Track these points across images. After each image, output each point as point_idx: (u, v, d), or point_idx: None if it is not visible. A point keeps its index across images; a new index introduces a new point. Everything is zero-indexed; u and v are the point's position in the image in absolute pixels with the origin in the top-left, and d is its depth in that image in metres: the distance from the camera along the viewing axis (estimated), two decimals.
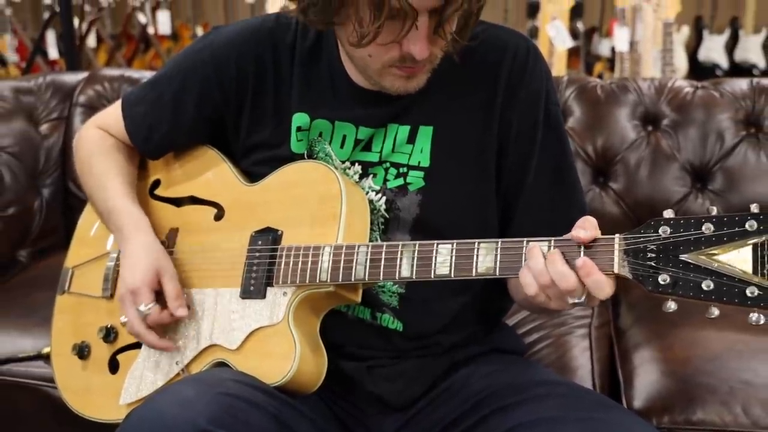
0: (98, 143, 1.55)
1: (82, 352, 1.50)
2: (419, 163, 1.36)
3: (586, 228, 1.11)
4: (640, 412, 1.56)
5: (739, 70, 5.90)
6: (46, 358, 1.66)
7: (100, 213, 1.52)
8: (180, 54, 1.51)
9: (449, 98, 1.36)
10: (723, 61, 5.94)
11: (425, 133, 1.36)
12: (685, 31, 5.95)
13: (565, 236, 1.12)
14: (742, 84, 2.23)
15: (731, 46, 5.98)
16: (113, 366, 1.46)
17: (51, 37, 5.58)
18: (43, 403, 1.70)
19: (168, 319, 1.36)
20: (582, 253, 1.10)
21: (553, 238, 1.13)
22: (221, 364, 1.32)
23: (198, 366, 1.35)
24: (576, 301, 1.11)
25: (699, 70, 5.93)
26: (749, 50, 5.89)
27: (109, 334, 1.47)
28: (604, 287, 1.08)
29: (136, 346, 1.43)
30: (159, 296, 1.37)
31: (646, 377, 1.64)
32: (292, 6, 1.26)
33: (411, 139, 1.37)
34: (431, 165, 1.36)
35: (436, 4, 1.15)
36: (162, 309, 1.36)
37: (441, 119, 1.36)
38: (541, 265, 1.11)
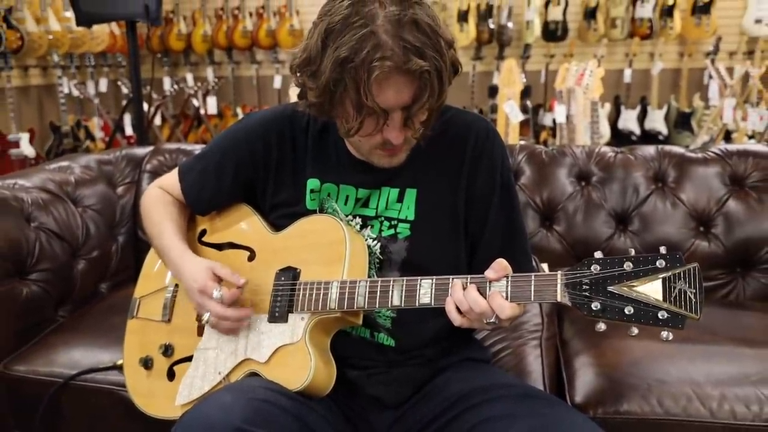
0: (158, 199, 1.54)
1: (147, 364, 1.47)
2: (406, 217, 1.35)
3: (495, 270, 1.14)
4: (579, 406, 1.53)
5: (648, 135, 5.93)
6: (119, 368, 1.62)
7: (156, 250, 1.51)
8: (222, 134, 1.50)
9: (428, 167, 1.35)
10: (636, 129, 5.96)
11: (411, 194, 1.35)
12: (608, 107, 5.98)
13: (481, 275, 1.15)
14: (650, 150, 2.22)
15: (642, 118, 6.00)
16: (170, 375, 1.44)
17: (127, 118, 5.61)
18: (117, 404, 1.66)
19: (237, 293, 1.32)
20: (490, 286, 1.13)
21: (470, 276, 1.16)
22: (253, 374, 1.30)
23: (235, 375, 1.32)
24: (490, 320, 1.12)
25: (619, 136, 5.95)
26: (655, 121, 5.92)
27: (168, 350, 1.44)
28: (504, 309, 1.11)
29: (188, 359, 1.40)
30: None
31: (585, 378, 1.61)
32: (301, 102, 1.27)
33: (400, 198, 1.36)
34: (416, 218, 1.35)
35: (404, 103, 1.15)
36: (228, 289, 1.32)
37: (423, 183, 1.36)
38: (461, 294, 1.14)
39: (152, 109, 5.40)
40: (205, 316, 1.33)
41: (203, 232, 1.53)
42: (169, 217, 1.49)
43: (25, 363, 1.77)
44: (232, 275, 1.34)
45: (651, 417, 1.50)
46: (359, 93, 1.13)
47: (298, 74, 1.22)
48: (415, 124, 1.20)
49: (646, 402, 1.51)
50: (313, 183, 1.39)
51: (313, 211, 1.38)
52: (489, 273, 1.14)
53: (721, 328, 1.78)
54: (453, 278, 1.17)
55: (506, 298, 1.12)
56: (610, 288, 1.05)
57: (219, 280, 1.34)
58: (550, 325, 1.83)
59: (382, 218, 1.36)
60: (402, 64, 1.10)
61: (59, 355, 1.78)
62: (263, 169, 1.42)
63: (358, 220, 1.37)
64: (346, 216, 1.37)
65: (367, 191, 1.36)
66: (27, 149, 5.20)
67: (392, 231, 1.35)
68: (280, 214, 1.42)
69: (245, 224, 1.47)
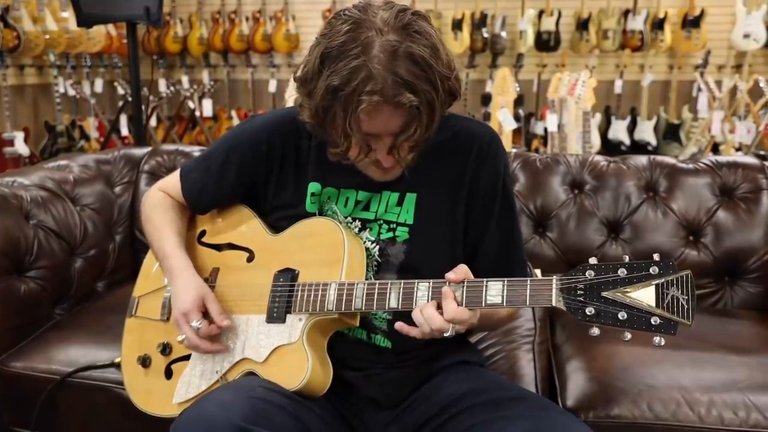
0: (158, 202, 1.53)
1: (145, 362, 1.47)
2: (405, 221, 1.35)
3: (456, 272, 1.18)
4: (571, 410, 1.55)
5: (637, 146, 5.97)
6: (117, 366, 1.62)
7: (155, 254, 1.51)
8: (225, 135, 1.51)
9: (430, 172, 1.35)
10: (626, 140, 5.99)
11: (411, 199, 1.36)
12: (598, 117, 6.01)
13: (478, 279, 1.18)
14: (642, 159, 2.23)
15: (631, 129, 6.04)
16: (168, 373, 1.44)
17: (123, 119, 5.59)
18: (115, 401, 1.66)
19: (215, 330, 1.33)
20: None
21: (466, 280, 1.19)
22: (251, 374, 1.30)
23: (233, 375, 1.33)
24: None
25: (609, 146, 5.99)
26: (644, 131, 5.96)
27: (166, 349, 1.45)
28: (449, 311, 1.15)
29: (186, 358, 1.41)
30: (205, 316, 1.34)
31: (576, 382, 1.62)
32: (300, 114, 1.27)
33: (399, 202, 1.36)
34: (414, 223, 1.35)
35: (392, 131, 1.17)
36: (209, 323, 1.33)
37: (423, 188, 1.36)
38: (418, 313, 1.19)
39: (148, 111, 5.39)
40: (180, 336, 1.34)
41: (203, 233, 1.53)
42: (169, 222, 1.49)
43: (22, 359, 1.77)
44: (219, 314, 1.34)
45: (641, 421, 1.52)
46: (346, 121, 1.14)
47: (297, 88, 1.23)
48: (402, 152, 1.22)
49: (637, 406, 1.53)
50: (314, 187, 1.39)
51: (313, 214, 1.39)
52: (450, 275, 1.18)
53: (709, 335, 1.80)
54: (449, 281, 1.18)
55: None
56: (604, 293, 1.07)
57: (205, 310, 1.35)
58: (542, 330, 1.84)
59: (381, 221, 1.37)
60: (391, 98, 1.12)
61: (57, 352, 1.78)
62: (266, 171, 1.42)
63: (357, 222, 1.38)
64: (345, 218, 1.38)
65: (368, 194, 1.37)
66: (21, 148, 5.19)
67: (391, 234, 1.36)
68: (280, 215, 1.42)
69: (245, 226, 1.47)
